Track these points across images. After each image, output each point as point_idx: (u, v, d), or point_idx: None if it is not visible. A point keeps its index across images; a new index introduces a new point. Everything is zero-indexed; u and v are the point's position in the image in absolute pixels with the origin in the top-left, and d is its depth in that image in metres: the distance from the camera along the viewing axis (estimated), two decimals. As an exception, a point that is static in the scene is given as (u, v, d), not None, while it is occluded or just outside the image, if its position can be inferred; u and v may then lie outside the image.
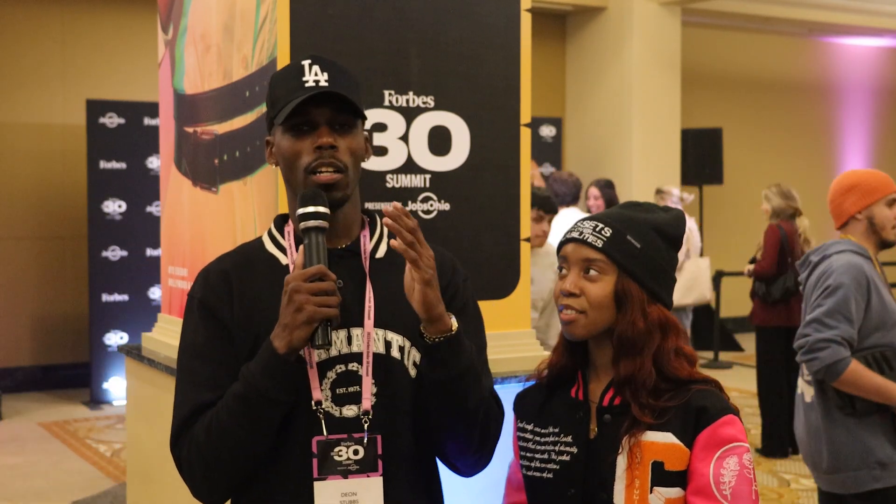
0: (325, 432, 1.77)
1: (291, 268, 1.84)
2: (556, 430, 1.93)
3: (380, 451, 1.80)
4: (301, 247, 1.78)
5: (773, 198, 6.47)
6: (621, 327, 1.86)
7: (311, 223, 1.77)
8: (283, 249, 1.89)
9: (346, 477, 1.78)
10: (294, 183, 1.84)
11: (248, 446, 1.76)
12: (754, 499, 1.81)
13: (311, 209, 1.77)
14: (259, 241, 1.95)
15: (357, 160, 1.85)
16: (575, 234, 1.92)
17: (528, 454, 1.97)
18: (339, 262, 1.84)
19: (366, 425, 1.79)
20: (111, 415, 7.57)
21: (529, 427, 1.99)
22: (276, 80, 1.89)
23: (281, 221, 1.95)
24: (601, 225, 1.90)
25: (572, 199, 6.45)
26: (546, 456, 1.93)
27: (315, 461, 1.77)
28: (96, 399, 7.93)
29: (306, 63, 1.84)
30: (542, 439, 1.95)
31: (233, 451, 1.75)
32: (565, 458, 1.90)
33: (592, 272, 1.88)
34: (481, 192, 2.88)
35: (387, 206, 1.72)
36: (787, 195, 6.46)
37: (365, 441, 1.79)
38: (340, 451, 1.78)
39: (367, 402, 1.80)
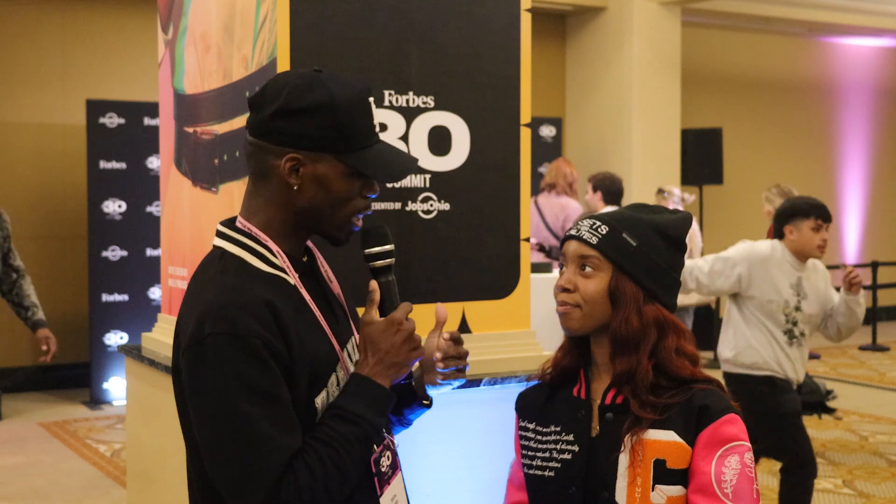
0: (375, 449, 1.79)
1: (303, 292, 1.77)
2: (558, 429, 1.93)
3: (396, 449, 1.87)
4: (375, 283, 1.78)
5: (775, 198, 6.47)
6: (615, 324, 1.87)
7: (385, 262, 1.80)
8: (276, 267, 1.78)
9: (389, 483, 1.82)
10: (326, 219, 1.77)
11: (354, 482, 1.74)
12: (755, 497, 1.81)
13: (377, 249, 1.80)
14: (238, 258, 1.76)
15: None
16: (573, 232, 1.95)
17: (529, 453, 1.97)
18: (310, 275, 1.84)
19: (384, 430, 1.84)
20: (111, 415, 7.57)
21: (531, 426, 1.99)
22: (344, 106, 1.74)
23: (237, 233, 1.79)
24: (598, 223, 1.92)
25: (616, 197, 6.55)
26: (547, 454, 1.93)
27: (376, 480, 1.78)
28: (96, 399, 7.93)
29: (371, 100, 1.79)
30: (544, 438, 1.95)
31: (346, 488, 1.70)
32: (567, 456, 1.90)
33: (587, 269, 1.90)
34: (481, 192, 2.88)
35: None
36: (788, 195, 6.46)
37: (391, 445, 1.84)
38: (382, 461, 1.80)
39: None
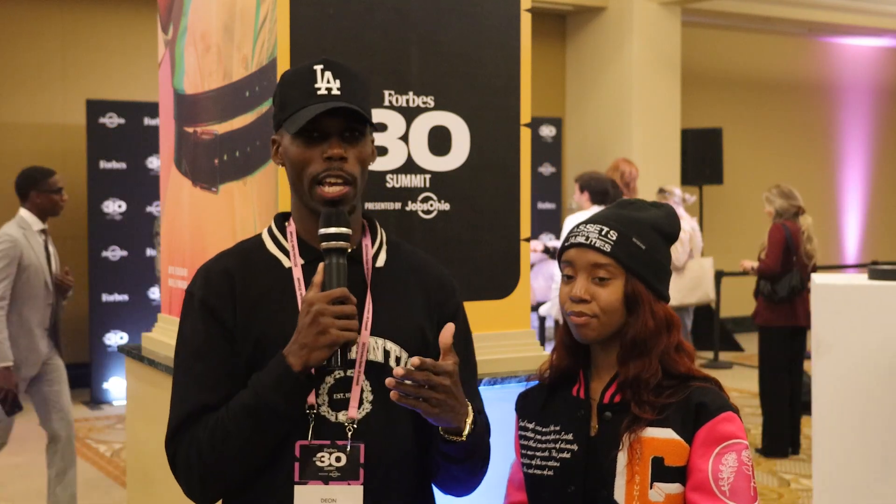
0: (309, 437, 1.78)
1: (296, 272, 1.83)
2: (558, 429, 1.93)
3: (362, 460, 1.79)
4: (321, 265, 1.76)
5: (775, 199, 6.47)
6: (635, 329, 1.86)
7: (333, 244, 1.77)
8: (284, 251, 1.88)
9: (326, 483, 1.77)
10: (300, 190, 1.84)
11: (251, 455, 1.76)
12: (753, 495, 1.82)
13: (333, 230, 1.76)
14: (259, 239, 1.93)
15: (365, 168, 1.85)
16: (581, 239, 1.91)
17: (529, 452, 1.97)
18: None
19: (349, 433, 1.79)
20: (111, 415, 7.57)
21: (531, 426, 1.99)
22: (286, 81, 1.87)
23: (282, 220, 1.93)
24: (606, 229, 1.90)
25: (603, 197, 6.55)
26: (547, 454, 1.93)
27: (297, 465, 1.77)
28: (96, 399, 7.93)
29: (318, 68, 1.83)
30: (544, 437, 1.95)
31: (235, 458, 1.75)
32: (566, 455, 1.90)
33: (602, 277, 1.88)
34: (481, 192, 2.88)
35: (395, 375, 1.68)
36: (788, 195, 6.46)
37: (348, 449, 1.78)
38: (322, 456, 1.78)
39: (354, 410, 1.80)
